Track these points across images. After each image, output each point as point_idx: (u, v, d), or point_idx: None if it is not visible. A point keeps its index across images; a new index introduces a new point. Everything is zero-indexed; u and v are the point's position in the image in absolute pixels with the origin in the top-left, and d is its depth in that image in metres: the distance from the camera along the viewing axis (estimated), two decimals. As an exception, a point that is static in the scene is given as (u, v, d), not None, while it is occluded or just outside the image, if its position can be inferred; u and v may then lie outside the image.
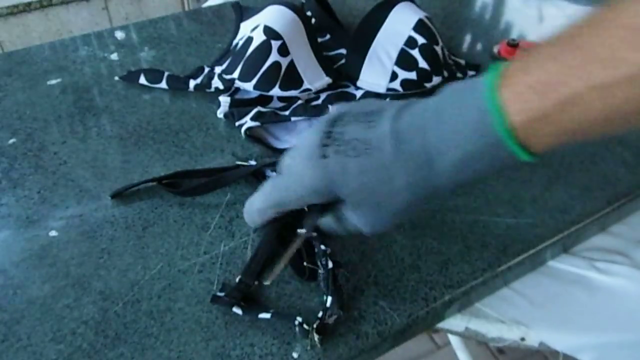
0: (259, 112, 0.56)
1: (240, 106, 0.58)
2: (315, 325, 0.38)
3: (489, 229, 0.47)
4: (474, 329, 0.46)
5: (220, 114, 0.58)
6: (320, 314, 0.38)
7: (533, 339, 0.46)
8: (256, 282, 0.41)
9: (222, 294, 0.40)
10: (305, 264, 0.42)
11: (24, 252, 0.44)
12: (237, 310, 0.39)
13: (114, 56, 0.69)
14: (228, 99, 0.58)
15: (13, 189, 0.50)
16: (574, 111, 0.27)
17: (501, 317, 0.46)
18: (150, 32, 0.74)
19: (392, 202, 0.34)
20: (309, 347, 0.38)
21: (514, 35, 0.77)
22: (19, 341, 0.38)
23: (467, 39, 0.76)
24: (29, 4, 1.53)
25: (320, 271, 0.41)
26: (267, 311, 0.39)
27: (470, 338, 0.47)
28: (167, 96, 0.62)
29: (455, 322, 0.46)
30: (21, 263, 0.43)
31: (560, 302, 0.48)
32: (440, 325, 0.45)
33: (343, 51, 0.68)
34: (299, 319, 0.38)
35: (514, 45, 0.69)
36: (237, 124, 0.56)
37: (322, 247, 0.42)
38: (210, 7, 0.82)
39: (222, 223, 0.47)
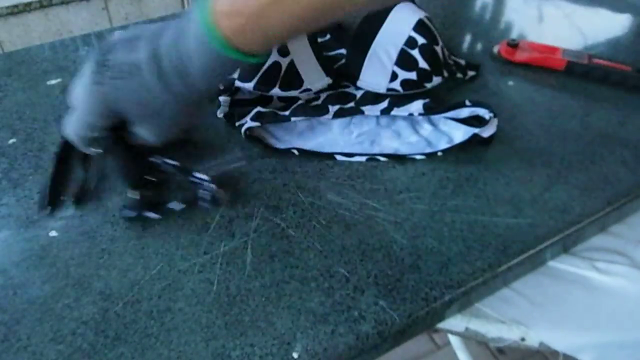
0: (258, 113, 0.56)
1: (240, 106, 0.58)
2: (214, 189, 0.47)
3: (489, 229, 0.47)
4: (474, 329, 0.46)
5: (220, 114, 0.58)
6: (203, 184, 0.47)
7: (533, 339, 0.46)
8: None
9: (130, 212, 0.47)
10: (147, 177, 0.49)
11: (24, 252, 0.44)
12: (151, 214, 0.46)
13: (114, 56, 0.69)
14: (228, 99, 0.58)
15: (13, 189, 0.50)
16: (270, 18, 0.35)
17: (501, 317, 0.46)
18: (150, 32, 0.74)
19: (166, 112, 0.40)
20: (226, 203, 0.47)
21: (514, 35, 0.77)
22: (19, 341, 0.38)
23: (467, 39, 0.76)
24: (29, 4, 1.53)
25: (171, 170, 0.49)
26: (174, 201, 0.47)
27: (470, 338, 0.47)
28: (167, 96, 0.62)
29: (455, 322, 0.46)
30: (21, 263, 0.43)
31: (560, 302, 0.48)
32: (440, 325, 0.45)
33: (343, 51, 0.67)
34: (201, 191, 0.47)
35: (514, 45, 0.69)
36: (237, 124, 0.56)
37: (157, 160, 0.50)
38: (210, 7, 0.82)
39: (222, 223, 0.47)
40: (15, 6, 1.51)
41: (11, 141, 0.55)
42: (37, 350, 0.37)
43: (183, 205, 0.47)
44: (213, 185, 0.48)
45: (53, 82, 0.63)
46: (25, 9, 1.53)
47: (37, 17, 1.57)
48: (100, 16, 1.67)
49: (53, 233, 0.46)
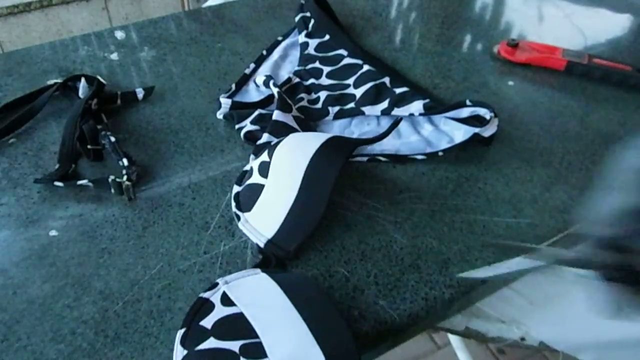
0: (259, 115, 0.56)
1: (240, 109, 0.58)
2: (125, 179, 0.48)
3: (489, 229, 0.47)
4: (474, 328, 0.46)
5: (219, 115, 0.58)
6: (124, 172, 0.49)
7: (533, 339, 0.46)
8: (73, 165, 0.52)
9: (40, 177, 0.50)
10: (89, 147, 0.51)
11: (24, 252, 0.44)
12: (58, 183, 0.49)
13: (114, 56, 0.69)
14: (229, 101, 0.58)
15: (13, 189, 0.50)
16: None
17: (501, 317, 0.46)
18: (150, 32, 0.74)
19: None
20: (127, 200, 0.48)
21: (514, 35, 0.77)
22: (18, 341, 0.38)
23: (467, 39, 0.76)
24: (29, 4, 1.53)
25: (107, 146, 0.52)
26: (83, 179, 0.49)
27: (470, 338, 0.47)
28: (167, 96, 0.62)
29: (455, 322, 0.46)
30: (21, 263, 0.43)
31: (560, 302, 0.48)
32: (441, 325, 0.45)
33: (343, 52, 0.67)
34: (112, 176, 0.48)
35: (514, 45, 0.69)
36: (236, 127, 0.56)
37: (100, 127, 0.54)
38: (210, 7, 0.82)
39: (222, 223, 0.47)
40: (15, 6, 1.51)
41: (11, 141, 0.55)
42: (37, 350, 0.37)
43: (90, 184, 0.49)
44: (126, 179, 0.48)
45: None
46: (25, 9, 1.53)
47: (37, 17, 1.57)
48: (100, 16, 1.67)
49: (53, 233, 0.45)
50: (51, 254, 0.44)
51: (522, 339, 0.46)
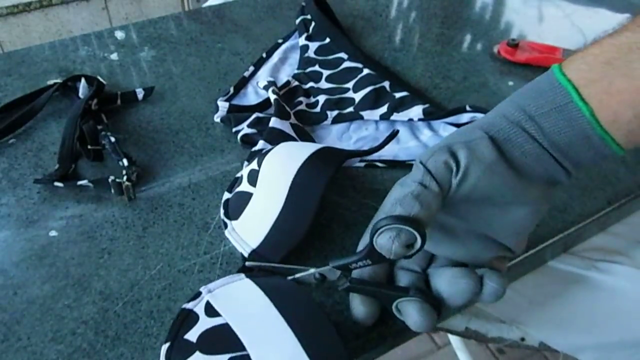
0: (257, 119, 0.56)
1: (238, 112, 0.58)
2: (125, 179, 0.48)
3: (489, 229, 0.47)
4: (474, 329, 0.46)
5: (217, 118, 0.58)
6: (124, 172, 0.49)
7: (533, 339, 0.46)
8: (73, 166, 0.52)
9: (40, 177, 0.50)
10: (89, 147, 0.51)
11: (24, 252, 0.44)
12: (58, 183, 0.49)
13: (114, 56, 0.69)
14: (226, 104, 0.58)
15: (13, 189, 0.50)
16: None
17: (501, 317, 0.46)
18: (150, 32, 0.74)
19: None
20: (127, 200, 0.48)
21: (514, 35, 0.77)
22: (18, 341, 0.38)
23: (467, 39, 0.76)
24: (29, 4, 1.53)
25: (107, 146, 0.51)
26: (83, 179, 0.49)
27: (470, 338, 0.47)
28: (168, 96, 0.62)
29: (455, 322, 0.46)
30: (21, 263, 0.43)
31: (560, 302, 0.48)
32: (440, 325, 0.45)
33: (343, 55, 0.67)
34: (112, 177, 0.48)
35: (514, 45, 0.69)
36: (234, 130, 0.56)
37: (100, 127, 0.54)
38: (210, 7, 0.82)
39: (222, 223, 0.47)
40: (15, 6, 1.51)
41: (11, 141, 0.55)
42: (37, 350, 0.37)
43: (91, 185, 0.49)
44: (126, 180, 0.48)
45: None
46: (25, 9, 1.53)
47: (37, 17, 1.57)
48: (100, 16, 1.68)
49: (53, 233, 0.46)
50: (51, 254, 0.44)
51: (522, 339, 0.46)
